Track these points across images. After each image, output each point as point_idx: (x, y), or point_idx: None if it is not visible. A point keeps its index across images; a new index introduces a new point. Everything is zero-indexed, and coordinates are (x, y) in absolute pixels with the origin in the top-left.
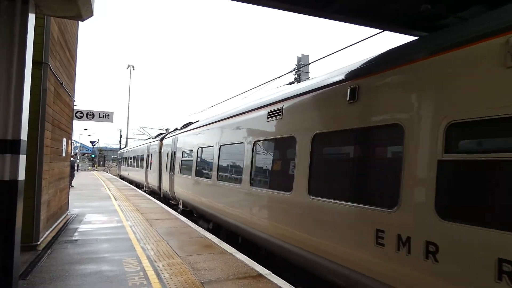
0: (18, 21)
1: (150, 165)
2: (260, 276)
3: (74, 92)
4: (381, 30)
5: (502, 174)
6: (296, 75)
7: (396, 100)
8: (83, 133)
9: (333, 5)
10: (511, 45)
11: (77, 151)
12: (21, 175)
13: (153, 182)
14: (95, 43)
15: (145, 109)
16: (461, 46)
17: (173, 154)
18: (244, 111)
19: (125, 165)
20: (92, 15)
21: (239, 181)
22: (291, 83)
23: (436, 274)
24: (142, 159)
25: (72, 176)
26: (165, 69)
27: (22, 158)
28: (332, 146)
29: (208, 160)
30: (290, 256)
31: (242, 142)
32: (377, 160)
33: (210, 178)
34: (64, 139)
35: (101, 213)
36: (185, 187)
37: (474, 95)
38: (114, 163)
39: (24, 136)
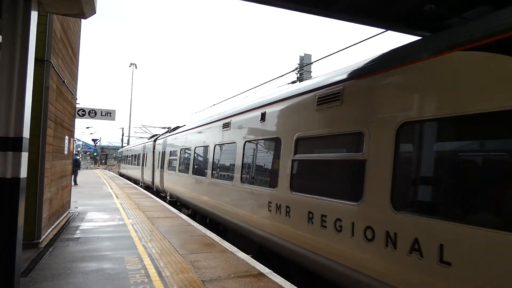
0: (21, 18)
1: (145, 163)
2: (261, 274)
3: (76, 90)
4: (384, 30)
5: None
6: (298, 74)
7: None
8: (85, 131)
9: (336, 5)
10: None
11: (79, 149)
12: (23, 173)
13: (147, 178)
14: (97, 41)
15: (147, 107)
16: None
17: (163, 154)
18: (209, 121)
19: (124, 163)
20: (95, 13)
21: (205, 175)
22: (293, 82)
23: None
24: (138, 157)
25: (76, 174)
26: (168, 67)
27: (24, 155)
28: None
29: (188, 159)
30: (229, 225)
31: (208, 145)
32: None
33: (187, 173)
34: (66, 137)
35: (103, 211)
36: (171, 181)
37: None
38: (116, 162)
39: (26, 133)
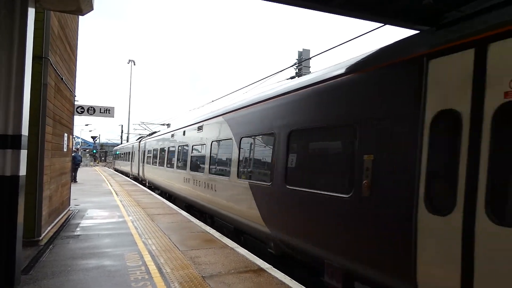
0: (18, 15)
1: (133, 159)
2: (261, 270)
3: (75, 87)
4: (382, 24)
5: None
6: (297, 70)
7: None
8: (84, 128)
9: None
10: None
11: (78, 146)
12: (22, 170)
13: (135, 170)
14: (95, 39)
15: (147, 103)
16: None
17: (144, 152)
18: (170, 130)
19: (117, 160)
20: (92, 9)
21: (171, 166)
22: (292, 77)
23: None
24: (128, 155)
25: (75, 171)
26: (167, 63)
27: (23, 153)
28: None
29: (159, 155)
30: (175, 195)
31: (174, 147)
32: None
33: (156, 165)
34: (65, 135)
35: (102, 208)
36: (148, 172)
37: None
38: (112, 159)
39: (25, 131)
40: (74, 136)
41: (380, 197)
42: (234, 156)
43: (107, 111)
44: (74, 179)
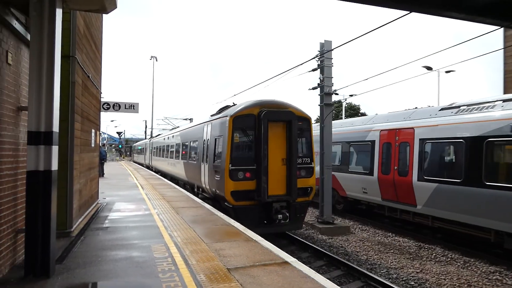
0: (47, 16)
1: (146, 153)
2: (286, 263)
3: (100, 84)
4: (408, 12)
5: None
6: (319, 61)
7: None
8: (110, 124)
9: None
10: None
11: (104, 142)
12: (54, 165)
13: (147, 162)
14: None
15: (170, 98)
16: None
17: (152, 148)
18: (164, 134)
19: (136, 154)
20: (116, 7)
21: (170, 157)
22: (314, 69)
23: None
24: (143, 150)
25: (102, 165)
26: (189, 58)
27: (55, 149)
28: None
29: (159, 151)
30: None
31: (164, 145)
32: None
33: (158, 156)
34: (93, 130)
35: (129, 201)
36: (154, 161)
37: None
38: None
39: (56, 127)
40: (100, 132)
41: None
42: (183, 151)
43: (131, 107)
44: (101, 174)
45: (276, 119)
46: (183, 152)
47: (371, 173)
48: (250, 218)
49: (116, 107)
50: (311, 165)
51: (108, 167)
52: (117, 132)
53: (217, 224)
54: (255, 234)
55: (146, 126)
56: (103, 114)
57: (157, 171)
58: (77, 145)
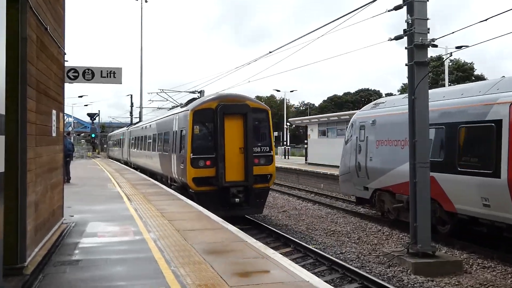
0: None
1: (123, 145)
2: None
3: (64, 42)
4: None
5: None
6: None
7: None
8: (77, 102)
9: None
10: None
11: (69, 128)
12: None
13: (125, 156)
14: None
15: (171, 63)
16: None
17: (130, 139)
18: (137, 125)
19: (111, 147)
20: None
21: (147, 149)
22: (397, 7)
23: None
24: (120, 141)
25: (67, 165)
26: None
27: (0, 140)
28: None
29: (138, 142)
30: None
31: (146, 135)
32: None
33: (137, 149)
34: (54, 112)
35: (110, 220)
36: (133, 156)
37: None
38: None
39: (1, 108)
40: (64, 114)
41: None
42: (158, 142)
43: (111, 75)
44: (66, 178)
45: (232, 112)
46: (159, 144)
47: (495, 173)
48: (210, 202)
49: (87, 75)
50: (270, 153)
51: (76, 167)
52: (89, 115)
53: (247, 257)
54: (307, 272)
55: (132, 103)
56: (69, 87)
57: (137, 168)
58: (32, 134)
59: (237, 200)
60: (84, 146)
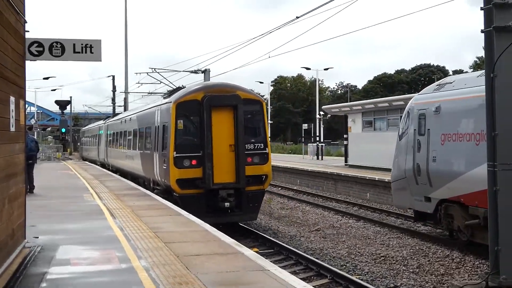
0: None
1: (100, 143)
2: None
3: (24, 5)
4: None
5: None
6: None
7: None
8: (42, 86)
9: None
10: None
11: (32, 121)
12: None
13: (102, 157)
14: None
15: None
16: None
17: (108, 136)
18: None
19: (84, 145)
20: None
21: (128, 147)
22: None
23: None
24: (95, 138)
25: (30, 170)
26: None
27: None
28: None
29: (117, 139)
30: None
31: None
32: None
33: (116, 147)
34: (12, 99)
35: (88, 243)
36: (112, 157)
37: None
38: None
39: None
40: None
41: None
42: (139, 139)
43: (86, 49)
44: (29, 187)
45: (220, 104)
46: (140, 141)
47: None
48: (196, 207)
49: (56, 49)
50: (265, 151)
51: (41, 173)
52: (58, 103)
53: None
54: None
55: (114, 86)
56: (32, 67)
57: (116, 171)
58: None
59: (227, 204)
60: (51, 145)
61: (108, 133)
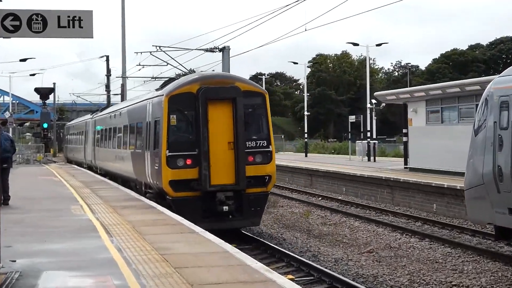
0: None
1: (86, 142)
2: None
3: None
4: None
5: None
6: None
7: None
8: (19, 69)
9: None
10: None
11: (6, 115)
12: None
13: (89, 158)
14: None
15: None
16: None
17: (95, 133)
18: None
19: (69, 144)
20: None
21: (117, 147)
22: None
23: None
24: (82, 136)
25: (5, 177)
26: None
27: None
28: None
29: (105, 137)
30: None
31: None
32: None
33: (104, 147)
34: None
35: (77, 268)
36: (99, 159)
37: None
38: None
39: None
40: None
41: None
42: (130, 136)
43: (74, 23)
44: (2, 198)
45: (218, 97)
46: (131, 138)
47: None
48: (192, 211)
49: (36, 23)
50: (268, 149)
51: (18, 179)
52: (38, 91)
53: None
54: None
55: (108, 71)
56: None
57: (105, 174)
58: None
59: (225, 208)
60: (30, 144)
61: (96, 129)
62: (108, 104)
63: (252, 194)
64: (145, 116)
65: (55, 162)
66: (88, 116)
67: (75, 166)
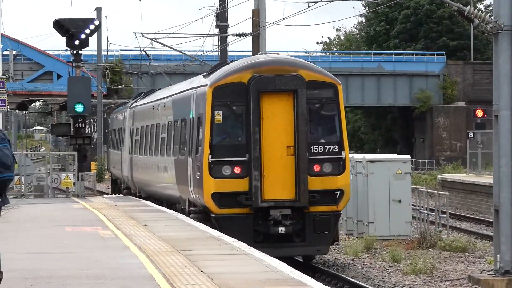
0: None
1: (123, 149)
2: None
3: None
4: None
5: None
6: None
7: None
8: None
9: None
10: None
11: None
12: None
13: (126, 174)
14: None
15: None
16: None
17: (134, 133)
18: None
19: (115, 149)
20: None
21: (153, 154)
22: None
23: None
24: (120, 136)
25: None
26: None
27: None
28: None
29: (145, 139)
30: None
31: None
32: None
33: (143, 154)
34: None
35: None
36: (137, 171)
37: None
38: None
39: None
40: None
41: None
42: (173, 137)
43: None
44: None
45: (274, 89)
46: (175, 141)
47: None
48: (239, 233)
49: None
50: (340, 156)
51: (18, 235)
52: (58, 24)
53: None
54: None
55: None
56: None
57: (146, 197)
58: None
59: (281, 230)
60: (45, 151)
61: (134, 127)
62: (223, 60)
63: (318, 213)
64: (188, 111)
65: (103, 194)
66: (127, 106)
67: (149, 203)
